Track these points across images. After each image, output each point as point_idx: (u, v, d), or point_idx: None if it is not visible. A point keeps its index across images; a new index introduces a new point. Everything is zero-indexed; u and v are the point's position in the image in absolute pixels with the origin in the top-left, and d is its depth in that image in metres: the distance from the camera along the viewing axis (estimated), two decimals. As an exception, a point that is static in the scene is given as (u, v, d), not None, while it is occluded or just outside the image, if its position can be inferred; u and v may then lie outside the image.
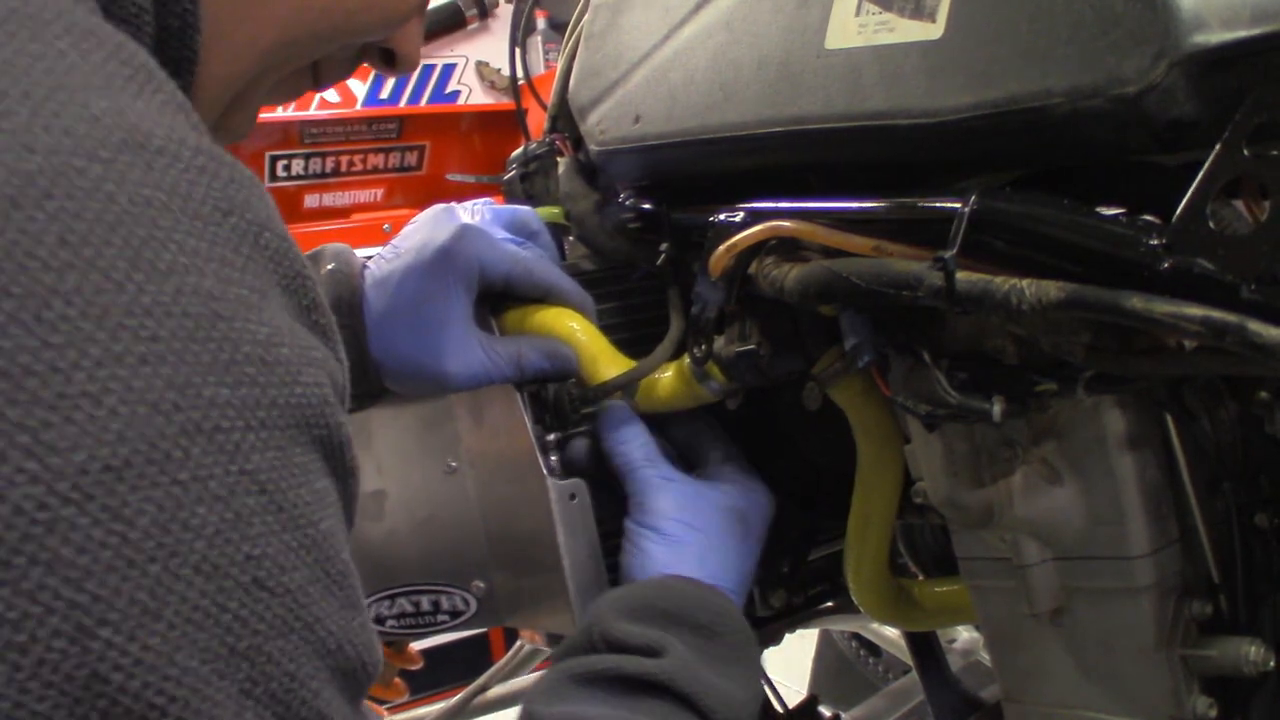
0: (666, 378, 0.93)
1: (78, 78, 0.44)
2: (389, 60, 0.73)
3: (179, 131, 0.46)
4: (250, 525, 0.43)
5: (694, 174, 0.90)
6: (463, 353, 0.91)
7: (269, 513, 0.44)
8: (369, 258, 0.95)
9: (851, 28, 0.74)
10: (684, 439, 0.98)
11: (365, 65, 0.73)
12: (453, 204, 0.98)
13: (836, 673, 2.16)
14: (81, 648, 0.38)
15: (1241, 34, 0.58)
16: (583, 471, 0.92)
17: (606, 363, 0.94)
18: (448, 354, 0.91)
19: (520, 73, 1.27)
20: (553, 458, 0.92)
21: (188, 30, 0.55)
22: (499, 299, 0.97)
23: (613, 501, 0.92)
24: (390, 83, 2.79)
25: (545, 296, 0.96)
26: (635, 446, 0.91)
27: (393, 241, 0.95)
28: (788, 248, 0.81)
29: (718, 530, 0.88)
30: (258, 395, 0.44)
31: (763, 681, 0.87)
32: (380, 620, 0.97)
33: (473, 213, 0.98)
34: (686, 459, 0.97)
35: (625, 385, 0.92)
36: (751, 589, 1.07)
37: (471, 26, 2.87)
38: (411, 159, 2.95)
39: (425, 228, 0.94)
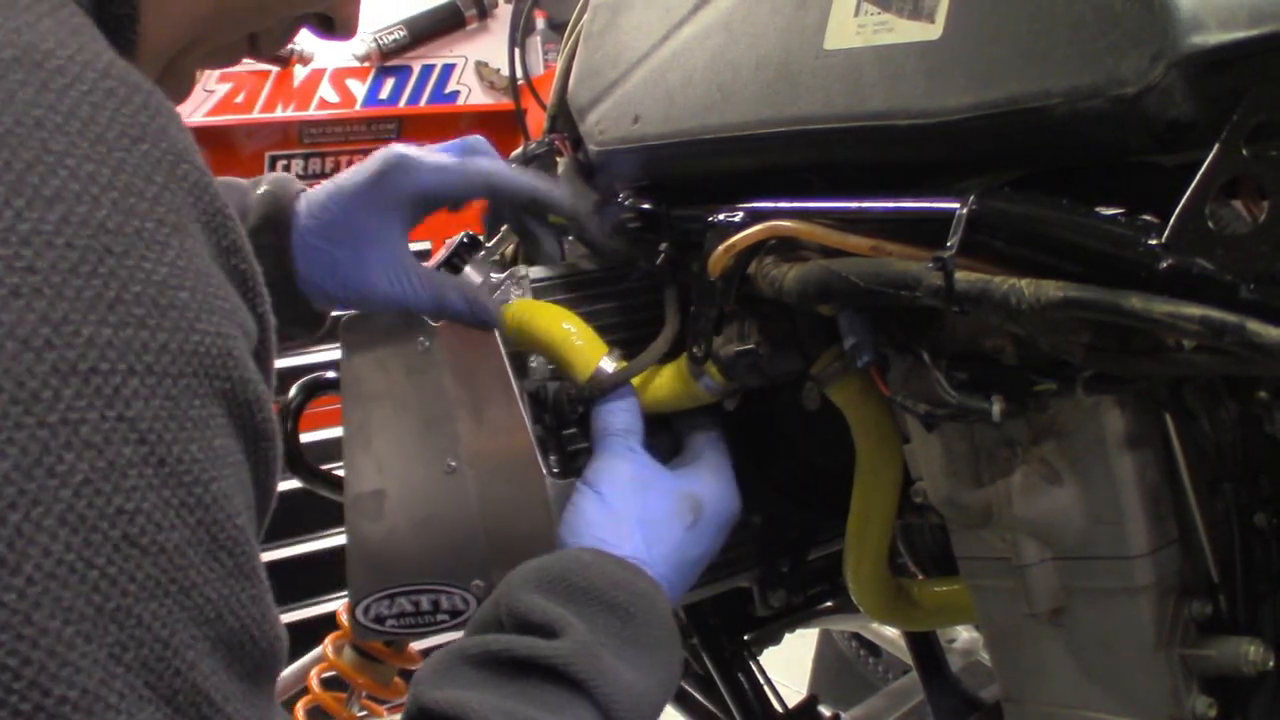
0: (665, 377, 0.93)
1: None
2: (328, 26, 0.71)
3: (87, 53, 0.43)
4: (125, 477, 0.40)
5: (693, 174, 0.90)
6: (386, 271, 0.90)
7: (148, 465, 0.40)
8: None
9: (850, 28, 0.74)
10: (680, 429, 0.97)
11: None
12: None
13: (836, 673, 2.16)
14: None
15: (1239, 35, 0.59)
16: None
17: (600, 360, 0.94)
18: (371, 269, 0.89)
19: (519, 73, 1.28)
20: (552, 457, 0.92)
21: None
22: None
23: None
24: (390, 83, 2.78)
25: (491, 194, 0.95)
26: (618, 417, 0.89)
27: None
28: (787, 248, 0.81)
29: (663, 511, 0.84)
30: (145, 338, 0.41)
31: (681, 672, 0.79)
32: (380, 620, 0.97)
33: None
34: (676, 449, 0.95)
35: (620, 383, 0.92)
36: (752, 588, 1.08)
37: (471, 27, 2.86)
38: (411, 159, 2.94)
39: (366, 161, 0.93)
